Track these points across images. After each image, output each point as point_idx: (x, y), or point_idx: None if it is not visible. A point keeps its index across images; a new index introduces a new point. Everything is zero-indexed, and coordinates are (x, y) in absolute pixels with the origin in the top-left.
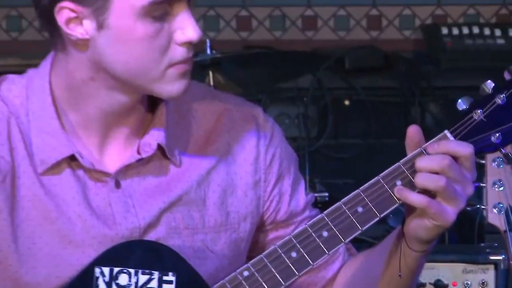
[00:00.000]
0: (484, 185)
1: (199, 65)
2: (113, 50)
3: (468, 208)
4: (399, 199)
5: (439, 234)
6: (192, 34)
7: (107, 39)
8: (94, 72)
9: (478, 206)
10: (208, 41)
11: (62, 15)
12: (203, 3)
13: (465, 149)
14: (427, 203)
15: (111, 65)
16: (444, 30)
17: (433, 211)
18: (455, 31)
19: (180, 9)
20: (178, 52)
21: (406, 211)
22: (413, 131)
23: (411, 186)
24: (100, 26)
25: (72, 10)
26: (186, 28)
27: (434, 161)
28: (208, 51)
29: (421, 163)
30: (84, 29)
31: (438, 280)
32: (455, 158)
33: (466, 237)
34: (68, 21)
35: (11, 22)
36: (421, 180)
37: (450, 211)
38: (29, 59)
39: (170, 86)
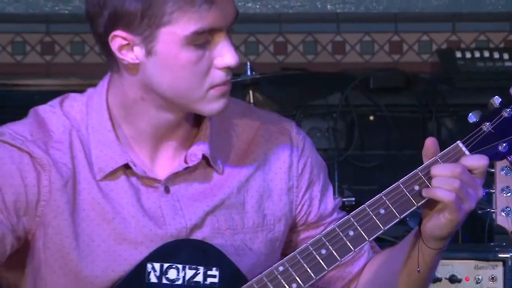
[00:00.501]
0: (493, 191)
1: (240, 85)
2: (160, 74)
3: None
4: (417, 202)
5: (452, 232)
6: (231, 60)
7: (154, 65)
8: (144, 93)
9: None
10: (248, 63)
11: (115, 42)
12: (245, 30)
13: (481, 162)
14: (450, 196)
15: (158, 87)
16: (458, 54)
17: (453, 206)
18: (468, 54)
19: (220, 38)
20: (218, 76)
21: (423, 213)
22: (430, 142)
23: None
24: (148, 53)
25: (124, 38)
26: (225, 55)
27: (448, 168)
28: (249, 72)
29: (436, 169)
30: (134, 55)
31: (453, 275)
32: (469, 169)
33: (478, 237)
34: (121, 47)
35: (75, 47)
36: (437, 183)
37: (463, 209)
38: (90, 79)
39: (211, 105)
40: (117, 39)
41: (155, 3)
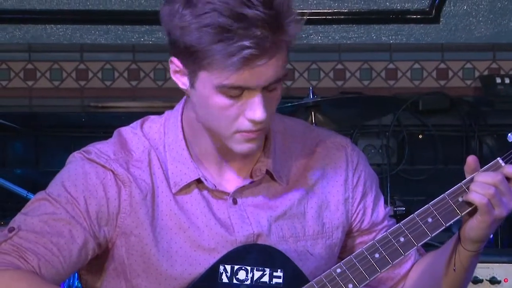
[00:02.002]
0: None
1: (303, 107)
2: (198, 106)
3: None
4: (461, 212)
5: (485, 236)
6: (257, 116)
7: (194, 97)
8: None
9: None
10: (311, 88)
11: (172, 66)
12: (308, 59)
13: None
14: (482, 199)
15: (198, 116)
16: (498, 80)
17: (483, 208)
18: (507, 80)
19: (252, 95)
20: (245, 124)
21: (463, 220)
22: (471, 160)
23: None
24: (191, 86)
25: (177, 65)
26: (255, 110)
27: (489, 175)
28: (311, 96)
29: (478, 176)
30: (183, 82)
31: (493, 277)
32: (508, 178)
33: None
34: (175, 72)
35: (158, 73)
36: (473, 187)
37: (493, 214)
38: (171, 102)
39: (237, 146)
40: (173, 64)
41: (202, 46)
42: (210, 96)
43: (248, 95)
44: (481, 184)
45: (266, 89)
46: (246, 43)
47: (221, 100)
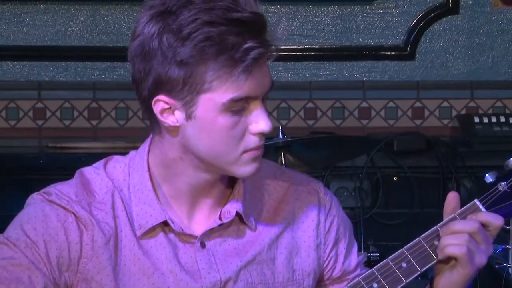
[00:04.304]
0: (510, 247)
1: (273, 147)
2: (199, 137)
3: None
4: (437, 256)
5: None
6: (264, 127)
7: (193, 128)
8: (183, 153)
9: (504, 264)
10: (280, 127)
11: (158, 106)
12: (277, 97)
13: (497, 221)
14: (461, 249)
15: (196, 148)
16: (476, 119)
17: (464, 259)
18: (485, 120)
19: (255, 106)
20: (252, 141)
21: (435, 270)
22: (452, 197)
23: None
24: (188, 117)
25: (166, 102)
26: (259, 122)
27: (467, 224)
28: (280, 136)
29: (455, 226)
30: (175, 118)
31: None
32: (484, 225)
33: None
34: (162, 111)
35: (119, 112)
36: (450, 240)
37: (474, 264)
38: (133, 142)
39: (244, 168)
40: (160, 103)
41: (196, 72)
42: (214, 119)
43: (251, 107)
44: (456, 235)
45: (262, 101)
46: (251, 44)
47: (226, 120)
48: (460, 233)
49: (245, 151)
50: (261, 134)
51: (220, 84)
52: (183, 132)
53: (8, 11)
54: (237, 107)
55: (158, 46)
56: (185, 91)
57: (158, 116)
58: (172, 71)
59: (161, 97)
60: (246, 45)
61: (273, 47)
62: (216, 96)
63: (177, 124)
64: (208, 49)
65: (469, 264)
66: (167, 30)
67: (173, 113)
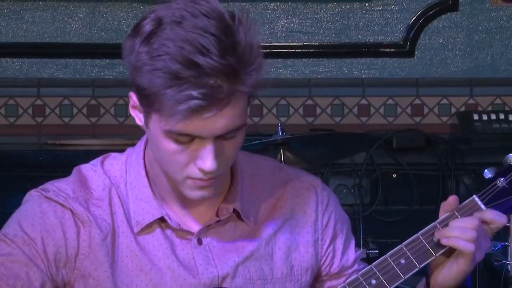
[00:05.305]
0: (509, 244)
1: (272, 144)
2: (152, 146)
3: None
4: (435, 253)
5: (460, 282)
6: (208, 167)
7: (149, 136)
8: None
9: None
10: (280, 125)
11: (131, 100)
12: (277, 94)
13: (502, 219)
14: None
15: (154, 156)
16: (475, 116)
17: (471, 256)
18: (484, 117)
19: (202, 144)
20: (195, 172)
21: (432, 264)
22: (452, 199)
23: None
24: (146, 125)
25: (134, 101)
26: (204, 160)
27: (467, 221)
28: (280, 133)
29: (456, 223)
30: (140, 118)
31: None
32: (485, 222)
33: (494, 287)
34: (133, 107)
35: (119, 109)
36: (456, 233)
37: (476, 260)
38: (132, 139)
39: (188, 192)
40: (132, 99)
41: (152, 90)
42: (160, 139)
43: (199, 143)
44: (463, 229)
45: (222, 138)
46: (194, 93)
47: (170, 145)
48: (470, 229)
49: (188, 178)
50: (204, 171)
51: (164, 112)
52: (148, 136)
53: (7, 8)
54: (181, 140)
55: (136, 49)
56: (145, 101)
57: (130, 110)
58: (139, 78)
59: (132, 94)
60: (189, 92)
61: (225, 100)
62: (161, 120)
63: (142, 125)
64: (162, 77)
65: (472, 261)
66: (146, 42)
67: (140, 113)
